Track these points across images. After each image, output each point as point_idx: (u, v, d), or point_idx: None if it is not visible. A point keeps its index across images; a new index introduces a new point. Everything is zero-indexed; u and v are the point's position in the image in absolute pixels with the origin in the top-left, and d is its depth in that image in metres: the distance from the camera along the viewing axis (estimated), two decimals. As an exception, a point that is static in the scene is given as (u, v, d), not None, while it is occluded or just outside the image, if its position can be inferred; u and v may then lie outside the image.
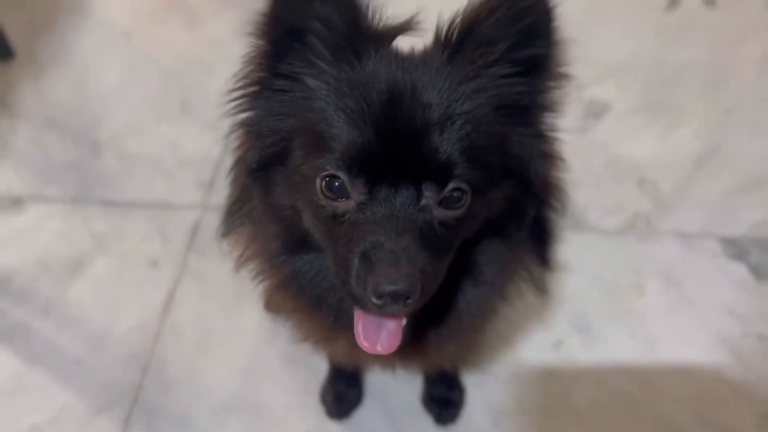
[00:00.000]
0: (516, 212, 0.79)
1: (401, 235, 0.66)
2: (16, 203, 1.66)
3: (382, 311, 0.67)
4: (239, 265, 0.92)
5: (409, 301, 0.64)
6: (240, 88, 0.79)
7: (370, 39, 0.72)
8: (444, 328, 0.85)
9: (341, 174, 0.68)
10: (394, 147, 0.67)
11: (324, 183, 0.70)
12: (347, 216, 0.69)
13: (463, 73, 0.70)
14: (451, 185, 0.69)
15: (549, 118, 0.78)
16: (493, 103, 0.71)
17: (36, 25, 2.14)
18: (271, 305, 1.20)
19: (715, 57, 1.93)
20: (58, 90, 1.95)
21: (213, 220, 1.58)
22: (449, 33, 0.72)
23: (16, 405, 1.32)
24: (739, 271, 1.47)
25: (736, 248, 1.51)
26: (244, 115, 0.80)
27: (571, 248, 1.51)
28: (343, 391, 1.28)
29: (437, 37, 0.73)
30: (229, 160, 1.66)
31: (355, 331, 0.74)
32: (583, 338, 1.38)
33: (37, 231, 1.60)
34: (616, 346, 1.36)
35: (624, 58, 1.93)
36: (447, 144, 0.67)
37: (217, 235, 0.94)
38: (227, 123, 0.85)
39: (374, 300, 0.64)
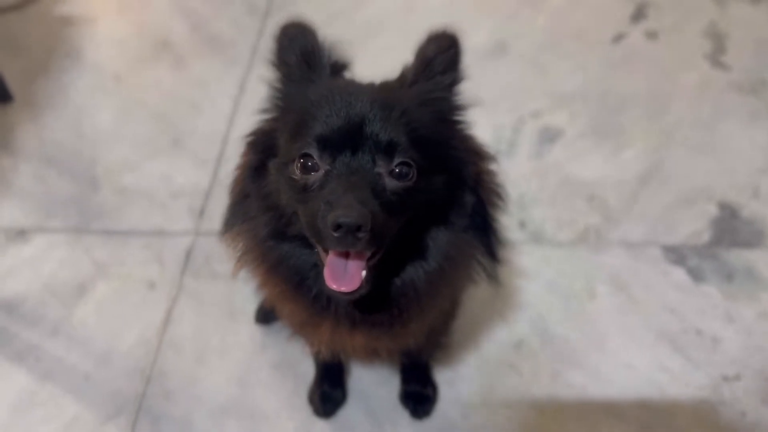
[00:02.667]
0: (455, 201, 0.98)
1: (357, 188, 0.85)
2: (21, 234, 1.80)
3: (340, 243, 0.82)
4: (237, 265, 1.07)
5: (361, 234, 0.80)
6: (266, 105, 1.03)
7: (322, 70, 0.99)
8: (402, 301, 1.00)
9: (313, 151, 0.89)
10: (351, 131, 0.89)
11: (300, 161, 0.90)
12: (316, 184, 0.88)
13: (412, 90, 0.96)
14: (397, 159, 0.89)
15: (464, 129, 1.02)
16: (433, 111, 0.95)
17: (32, 70, 2.29)
18: (267, 298, 1.28)
19: (655, 85, 2.12)
20: (56, 130, 2.09)
21: (205, 245, 1.74)
22: (407, 69, 0.99)
23: (32, 417, 1.44)
24: (679, 274, 1.64)
25: (676, 254, 1.68)
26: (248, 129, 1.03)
27: (530, 259, 1.68)
28: (328, 392, 1.42)
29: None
30: (217, 191, 1.84)
31: (325, 276, 0.89)
32: (541, 338, 1.54)
33: (42, 259, 1.74)
34: (570, 345, 1.52)
35: (574, 88, 2.12)
36: (391, 130, 0.88)
37: (219, 234, 1.11)
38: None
39: (333, 233, 0.80)
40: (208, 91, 2.20)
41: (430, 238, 0.99)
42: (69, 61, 2.34)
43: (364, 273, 0.88)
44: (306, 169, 0.90)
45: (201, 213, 1.83)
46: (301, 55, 0.97)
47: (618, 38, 2.29)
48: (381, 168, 0.88)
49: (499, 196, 1.08)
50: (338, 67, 1.02)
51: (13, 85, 2.19)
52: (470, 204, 1.00)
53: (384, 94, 0.93)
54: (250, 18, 2.45)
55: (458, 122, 1.00)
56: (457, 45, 0.97)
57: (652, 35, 2.29)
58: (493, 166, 1.08)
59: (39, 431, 1.42)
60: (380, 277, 0.96)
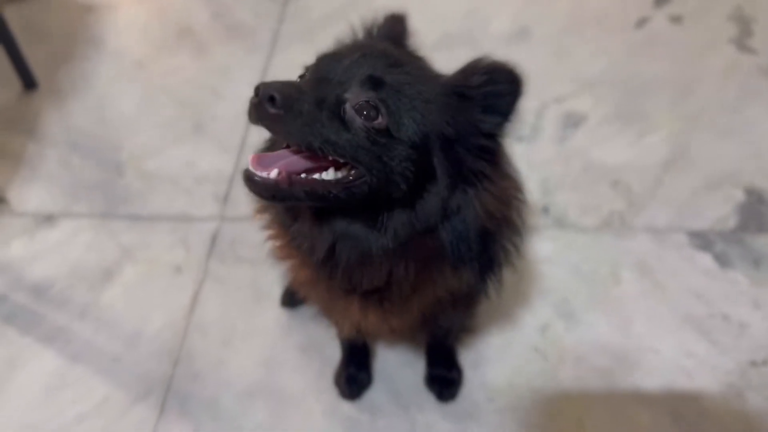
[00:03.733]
0: (425, 198, 0.92)
1: (310, 88, 0.86)
2: (48, 219, 1.82)
3: (251, 111, 0.82)
4: (257, 213, 1.10)
5: (273, 110, 0.80)
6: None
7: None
8: (364, 269, 0.98)
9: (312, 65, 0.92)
10: (354, 58, 0.90)
11: (301, 73, 0.93)
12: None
13: (439, 78, 0.95)
14: (370, 95, 0.86)
15: (486, 161, 0.94)
16: (443, 103, 0.91)
17: (55, 57, 2.31)
18: (291, 280, 1.26)
19: (680, 69, 2.10)
20: (80, 116, 2.12)
21: (230, 230, 1.75)
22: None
23: (62, 398, 1.47)
24: (705, 260, 1.63)
25: (702, 240, 1.67)
26: None
27: (554, 244, 1.68)
28: (354, 374, 1.43)
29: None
30: (241, 176, 1.85)
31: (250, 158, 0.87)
32: (566, 322, 1.54)
33: (70, 244, 1.76)
34: (595, 329, 1.52)
35: (598, 73, 2.11)
36: (385, 73, 0.88)
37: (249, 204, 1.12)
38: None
39: (252, 99, 0.81)
40: (229, 77, 2.21)
41: (389, 218, 0.93)
42: (91, 48, 2.36)
43: (276, 171, 0.84)
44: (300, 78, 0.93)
45: (225, 198, 1.84)
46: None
47: (641, 22, 2.27)
48: (350, 96, 0.86)
49: (514, 230, 1.05)
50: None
51: (37, 72, 2.22)
52: (437, 209, 0.93)
53: (411, 61, 0.95)
54: (271, 4, 2.45)
55: (473, 141, 0.93)
56: (517, 89, 0.90)
57: (676, 19, 2.27)
58: (519, 197, 1.03)
59: (71, 411, 1.45)
60: (325, 227, 0.95)
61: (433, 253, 0.98)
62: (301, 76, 0.93)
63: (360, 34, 1.06)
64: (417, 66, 0.96)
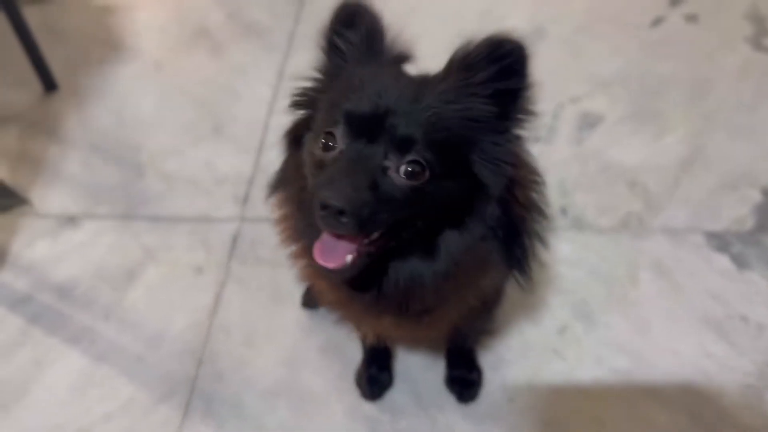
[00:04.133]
0: (475, 209, 0.96)
1: (358, 173, 0.86)
2: (71, 221, 1.85)
3: (324, 222, 0.84)
4: (279, 230, 1.12)
5: (344, 219, 0.82)
6: (303, 81, 1.04)
7: (381, 55, 0.98)
8: (408, 294, 1.01)
9: (336, 129, 0.91)
10: (373, 119, 0.89)
11: (323, 138, 0.92)
12: (328, 163, 0.91)
13: (444, 88, 0.92)
14: (409, 156, 0.88)
15: (515, 142, 0.96)
16: (463, 115, 0.91)
17: (74, 58, 2.34)
18: (304, 277, 1.26)
19: (696, 69, 2.11)
20: (100, 118, 2.14)
21: (250, 231, 1.78)
22: (449, 62, 0.94)
23: (88, 397, 1.50)
24: (723, 261, 1.64)
25: (719, 241, 1.68)
26: (295, 98, 1.04)
27: (572, 245, 1.69)
28: (375, 375, 1.45)
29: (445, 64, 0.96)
30: (260, 178, 1.88)
31: (314, 249, 0.91)
32: (585, 324, 1.55)
33: (93, 245, 1.79)
34: (614, 330, 1.53)
35: (613, 73, 2.11)
36: (410, 126, 0.88)
37: (265, 196, 1.15)
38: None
39: (320, 211, 0.83)
40: (247, 78, 2.23)
41: (443, 241, 0.97)
42: (110, 49, 2.39)
43: (350, 256, 0.89)
44: (326, 147, 0.91)
45: (245, 200, 1.86)
46: (365, 35, 0.97)
47: (657, 22, 2.27)
48: (390, 162, 0.88)
49: (539, 212, 1.05)
50: (401, 58, 1.01)
51: (57, 73, 2.24)
52: (493, 215, 0.97)
53: (416, 88, 0.91)
54: (287, 4, 2.46)
55: (501, 133, 0.94)
56: (519, 52, 0.90)
57: (691, 18, 2.27)
58: (537, 180, 1.04)
59: (97, 411, 1.47)
60: (382, 264, 0.97)
61: (479, 261, 1.01)
62: (328, 142, 0.91)
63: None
64: (424, 86, 0.93)
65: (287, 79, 2.12)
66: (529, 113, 0.94)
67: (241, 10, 2.48)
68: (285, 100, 1.06)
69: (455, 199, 0.94)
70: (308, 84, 1.03)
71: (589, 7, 2.35)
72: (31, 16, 2.18)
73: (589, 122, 1.98)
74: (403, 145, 0.88)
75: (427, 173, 0.88)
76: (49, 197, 1.92)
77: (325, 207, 0.82)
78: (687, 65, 2.12)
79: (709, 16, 2.26)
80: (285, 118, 1.07)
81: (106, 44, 2.39)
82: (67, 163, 2.00)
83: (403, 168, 0.88)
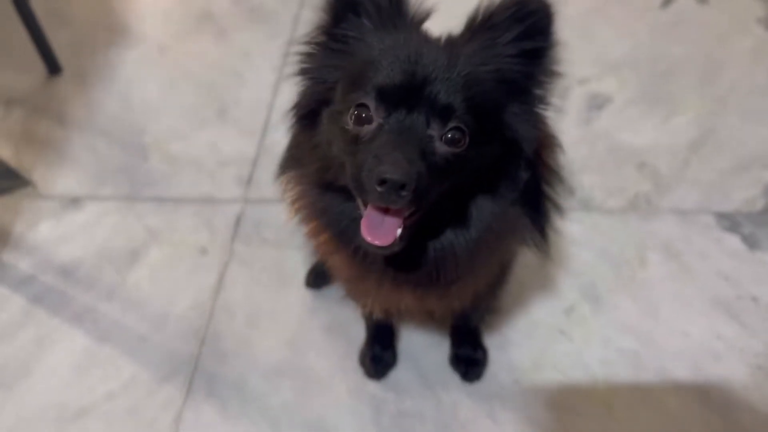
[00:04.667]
0: (507, 174, 0.96)
1: (407, 145, 0.84)
2: (75, 202, 1.84)
3: (382, 198, 0.82)
4: (291, 210, 1.09)
5: (404, 193, 0.80)
6: (305, 46, 0.99)
7: (406, 18, 0.94)
8: (440, 264, 1.00)
9: (369, 101, 0.87)
10: (411, 89, 0.87)
11: (355, 111, 0.89)
12: (367, 136, 0.87)
13: (474, 50, 0.90)
14: (451, 124, 0.87)
15: (541, 103, 0.95)
16: (495, 77, 0.90)
17: (79, 42, 2.33)
18: (316, 250, 1.23)
19: (707, 50, 2.08)
20: (105, 101, 2.13)
21: (254, 212, 1.76)
22: (470, 22, 0.93)
23: (91, 376, 1.49)
24: (733, 241, 1.62)
25: (730, 221, 1.65)
26: (304, 67, 0.99)
27: (579, 226, 1.67)
28: (379, 354, 1.43)
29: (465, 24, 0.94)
30: (264, 160, 1.86)
31: (361, 227, 0.89)
32: (592, 305, 1.53)
33: (96, 226, 1.78)
34: (622, 311, 1.51)
35: (623, 54, 2.09)
36: (450, 93, 0.86)
37: (274, 175, 1.12)
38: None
39: (377, 188, 0.80)
40: (251, 61, 2.21)
41: (475, 207, 0.97)
42: (115, 32, 2.37)
43: (399, 230, 0.88)
44: (360, 120, 0.89)
45: (249, 181, 1.84)
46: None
47: (667, 2, 2.24)
48: (434, 131, 0.87)
49: (557, 175, 1.06)
50: (423, 19, 0.97)
51: (61, 57, 2.23)
52: (523, 179, 0.97)
53: (449, 53, 0.89)
54: (292, -12, 2.44)
55: (528, 93, 0.94)
56: (545, 11, 0.89)
57: None
58: (556, 145, 1.06)
59: (99, 390, 1.46)
60: (418, 237, 0.96)
61: (510, 225, 1.00)
62: (362, 115, 0.89)
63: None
64: (454, 49, 0.91)
65: (292, 63, 2.10)
66: (554, 74, 0.94)
67: (246, -6, 2.46)
68: (290, 84, 1.03)
69: (491, 164, 0.93)
70: (318, 50, 0.98)
71: (598, -12, 2.32)
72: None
73: (597, 103, 1.95)
74: (444, 113, 0.86)
75: (467, 139, 0.88)
76: (53, 179, 1.91)
77: (383, 182, 0.80)
78: (697, 47, 2.09)
79: (721, -3, 2.23)
80: (290, 97, 1.03)
81: (110, 28, 2.38)
82: (71, 145, 1.99)
83: (446, 135, 0.87)
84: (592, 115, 1.92)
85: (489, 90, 0.90)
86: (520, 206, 0.99)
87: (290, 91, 1.05)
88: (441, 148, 0.87)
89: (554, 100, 0.97)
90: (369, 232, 0.88)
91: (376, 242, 0.88)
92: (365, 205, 0.90)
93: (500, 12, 0.89)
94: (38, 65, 2.20)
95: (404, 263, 1.00)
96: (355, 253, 1.01)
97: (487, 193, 0.96)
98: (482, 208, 0.97)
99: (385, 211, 0.88)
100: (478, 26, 0.92)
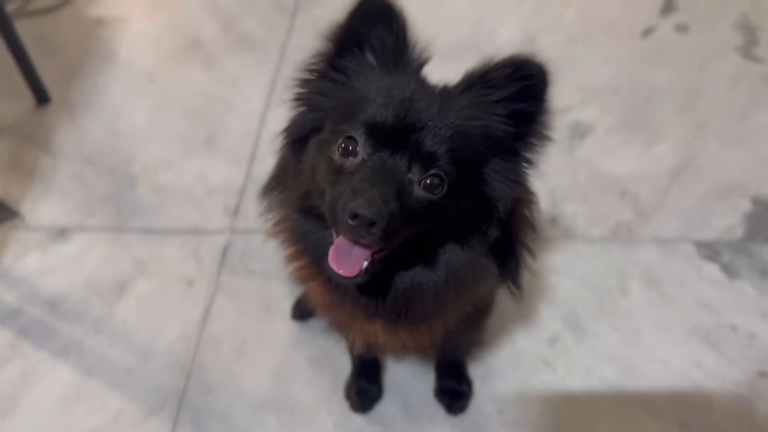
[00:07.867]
0: (478, 228, 0.98)
1: (385, 184, 0.86)
2: (62, 233, 1.84)
3: (352, 232, 0.85)
4: (270, 232, 1.11)
5: (374, 230, 0.83)
6: (304, 72, 1.01)
7: (407, 59, 0.97)
8: (407, 301, 1.02)
9: (358, 135, 0.90)
10: (400, 131, 0.89)
11: (342, 143, 0.91)
12: (350, 169, 0.90)
13: (466, 103, 0.92)
14: (432, 171, 0.89)
15: (527, 164, 0.96)
16: (482, 131, 0.92)
17: (67, 70, 2.34)
18: (294, 274, 1.23)
19: (687, 78, 2.11)
20: (93, 130, 2.14)
21: (241, 243, 1.78)
22: (468, 75, 0.94)
23: (77, 410, 1.49)
24: (713, 270, 1.64)
25: (709, 250, 1.68)
26: (300, 92, 1.01)
27: (562, 255, 1.69)
28: (365, 388, 1.44)
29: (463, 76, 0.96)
30: (251, 189, 1.88)
31: (329, 255, 0.91)
32: (575, 334, 1.55)
33: (83, 257, 1.79)
34: (604, 340, 1.53)
35: (605, 82, 2.12)
36: (436, 142, 0.89)
37: (258, 196, 1.13)
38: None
39: (349, 220, 0.83)
40: (239, 89, 2.23)
41: (444, 252, 0.99)
42: (103, 61, 2.39)
43: (366, 263, 0.90)
44: (346, 152, 0.91)
45: (236, 211, 1.86)
46: (395, 41, 0.95)
47: (648, 31, 2.28)
48: (414, 175, 0.89)
49: (532, 228, 1.09)
50: (423, 64, 0.99)
51: (49, 86, 2.24)
52: (493, 237, 0.99)
53: (442, 102, 0.91)
54: (279, 16, 2.47)
55: (515, 153, 0.95)
56: (541, 75, 0.90)
57: (682, 28, 2.27)
58: (533, 199, 1.08)
59: (86, 424, 1.47)
60: (387, 272, 0.98)
61: (477, 273, 1.03)
62: (348, 147, 0.91)
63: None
64: (447, 99, 0.93)
65: (280, 91, 2.13)
66: (544, 138, 0.95)
67: (234, 22, 2.48)
68: (277, 112, 1.04)
69: (464, 216, 0.95)
70: (317, 77, 0.99)
71: (580, 17, 2.35)
72: (24, 28, 2.18)
73: (579, 132, 1.98)
74: (427, 160, 0.89)
75: (445, 187, 0.90)
76: (41, 209, 1.92)
77: (355, 216, 0.82)
78: (678, 75, 2.12)
79: (700, 26, 2.27)
80: (278, 125, 1.05)
81: (98, 56, 2.39)
82: (58, 175, 2.00)
83: (425, 181, 0.89)
84: (575, 143, 1.95)
85: (474, 144, 0.92)
86: (489, 255, 1.01)
87: (278, 120, 1.07)
88: (418, 192, 0.89)
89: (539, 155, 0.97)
90: (336, 260, 0.91)
91: (341, 272, 0.90)
92: (338, 235, 0.92)
93: (498, 70, 0.91)
94: (26, 95, 2.21)
95: (374, 295, 1.02)
96: (329, 282, 1.03)
97: (457, 242, 0.99)
98: (451, 255, 0.99)
99: (355, 242, 0.90)
100: (475, 80, 0.93)
